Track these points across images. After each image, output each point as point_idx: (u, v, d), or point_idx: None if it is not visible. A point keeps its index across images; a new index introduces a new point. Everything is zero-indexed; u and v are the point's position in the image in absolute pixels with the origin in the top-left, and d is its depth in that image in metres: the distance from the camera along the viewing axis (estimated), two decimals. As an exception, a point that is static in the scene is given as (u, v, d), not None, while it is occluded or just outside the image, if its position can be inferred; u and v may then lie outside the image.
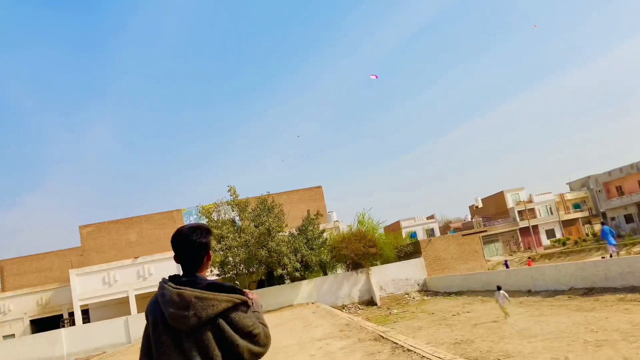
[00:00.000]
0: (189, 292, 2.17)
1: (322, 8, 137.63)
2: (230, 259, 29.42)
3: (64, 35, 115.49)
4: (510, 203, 70.59)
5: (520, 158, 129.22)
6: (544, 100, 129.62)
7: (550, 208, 68.66)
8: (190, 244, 2.35)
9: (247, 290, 2.48)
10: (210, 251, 2.45)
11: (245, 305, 2.24)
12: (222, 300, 2.16)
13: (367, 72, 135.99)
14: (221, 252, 28.92)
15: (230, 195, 31.29)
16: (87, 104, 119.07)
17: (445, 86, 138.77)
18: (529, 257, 48.15)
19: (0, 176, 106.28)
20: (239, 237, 29.52)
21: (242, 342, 2.16)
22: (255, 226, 30.05)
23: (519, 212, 67.75)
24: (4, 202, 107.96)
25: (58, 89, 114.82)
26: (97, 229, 42.57)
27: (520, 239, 66.72)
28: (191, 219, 42.09)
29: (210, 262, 2.43)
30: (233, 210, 31.82)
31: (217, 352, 2.13)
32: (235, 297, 2.20)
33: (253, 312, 2.32)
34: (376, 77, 40.98)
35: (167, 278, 2.35)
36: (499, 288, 15.17)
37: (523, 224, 66.12)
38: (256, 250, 29.15)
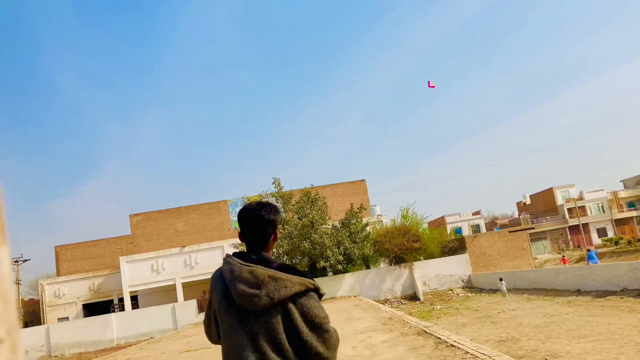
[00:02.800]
0: (262, 270, 2.08)
1: None
2: (274, 250, 29.76)
3: (117, 31, 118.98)
4: (559, 200, 68.57)
5: (571, 153, 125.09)
6: (599, 92, 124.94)
7: (603, 206, 66.31)
8: (258, 220, 2.26)
9: None
10: (277, 231, 2.36)
11: (317, 292, 2.13)
12: (295, 282, 2.05)
13: (414, 62, 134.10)
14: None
15: (275, 187, 31.63)
16: (139, 97, 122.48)
17: (495, 77, 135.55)
18: (563, 255, 46.88)
19: (57, 167, 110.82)
20: (282, 228, 29.82)
21: (309, 335, 2.03)
22: (299, 218, 30.31)
23: (569, 209, 65.76)
24: (60, 191, 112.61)
25: (113, 83, 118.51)
26: (146, 218, 43.79)
27: (569, 237, 64.76)
28: (236, 210, 42.67)
29: (276, 243, 2.40)
30: (277, 202, 32.15)
31: (284, 337, 2.02)
32: (309, 282, 2.10)
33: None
34: (434, 86, 40.14)
35: (231, 254, 2.27)
36: (501, 279, 19.72)
37: (573, 221, 64.15)
38: (299, 242, 29.39)
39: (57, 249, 48.19)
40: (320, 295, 2.15)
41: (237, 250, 2.33)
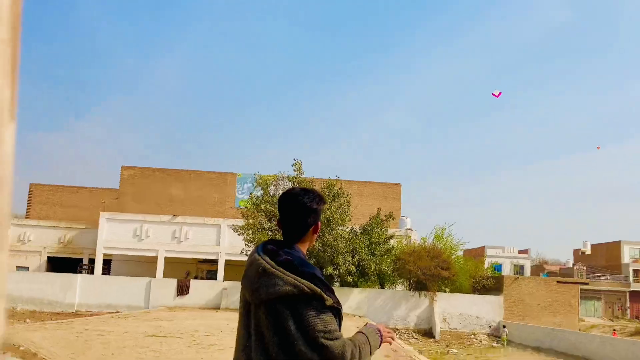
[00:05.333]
0: (262, 261, 2.17)
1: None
2: (278, 242, 29.83)
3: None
4: (626, 258, 67.32)
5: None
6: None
7: (677, 276, 64.97)
8: (299, 207, 2.34)
9: (382, 326, 2.49)
10: (320, 223, 2.42)
11: (319, 300, 2.10)
12: (288, 282, 2.08)
13: (484, 64, 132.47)
14: (269, 232, 29.38)
15: (294, 171, 31.60)
16: (161, 34, 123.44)
17: (580, 99, 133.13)
18: (614, 329, 46.15)
19: (52, 94, 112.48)
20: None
21: (303, 346, 2.02)
22: (314, 212, 30.31)
23: (635, 271, 64.51)
24: (48, 122, 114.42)
25: (134, 14, 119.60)
26: (139, 174, 44.32)
27: (628, 304, 63.62)
28: (245, 187, 42.96)
29: (316, 236, 2.39)
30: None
31: (272, 340, 2.08)
32: (305, 285, 2.08)
33: (359, 331, 2.30)
34: (499, 94, 39.68)
35: (267, 241, 2.37)
36: (504, 326, 24.78)
37: (636, 286, 62.96)
38: (309, 240, 29.41)
39: (32, 187, 49.12)
40: (322, 304, 2.11)
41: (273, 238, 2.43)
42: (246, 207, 32.40)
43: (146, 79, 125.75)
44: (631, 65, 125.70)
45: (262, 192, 31.47)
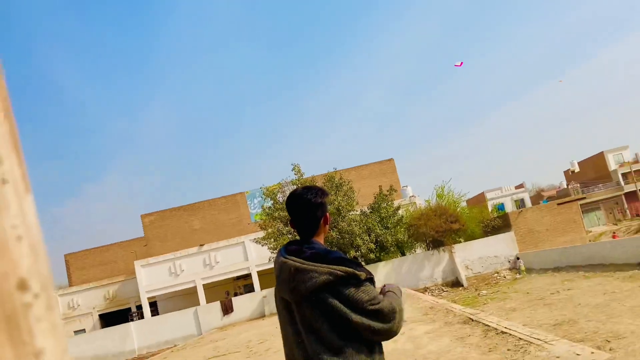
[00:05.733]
0: (291, 262, 2.23)
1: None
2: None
3: (118, 20, 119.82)
4: (612, 165, 67.34)
5: (621, 112, 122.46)
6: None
7: (662, 168, 64.95)
8: (305, 205, 2.39)
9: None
10: (328, 214, 2.45)
11: (355, 278, 2.17)
12: (322, 272, 2.14)
13: (438, 26, 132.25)
14: (289, 236, 29.42)
15: (295, 174, 31.59)
16: (144, 90, 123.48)
17: (533, 34, 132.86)
18: (614, 232, 46.38)
19: (62, 170, 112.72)
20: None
21: (356, 317, 2.12)
22: (323, 206, 30.31)
23: (624, 174, 64.50)
24: (66, 196, 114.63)
25: (115, 78, 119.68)
26: (159, 217, 44.37)
27: (626, 206, 63.64)
28: (255, 202, 43.04)
29: (328, 226, 2.42)
30: (299, 190, 32.15)
31: (323, 327, 2.13)
32: (339, 269, 2.15)
33: (386, 292, 2.36)
34: (461, 64, 39.66)
35: (286, 243, 2.45)
36: (518, 257, 24.70)
37: (629, 187, 62.94)
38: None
39: (67, 257, 49.21)
40: (358, 280, 2.17)
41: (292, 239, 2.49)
42: (262, 219, 32.46)
43: (139, 133, 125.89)
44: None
45: (271, 202, 31.50)
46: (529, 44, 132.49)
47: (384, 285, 2.52)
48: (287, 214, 25.50)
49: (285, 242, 22.83)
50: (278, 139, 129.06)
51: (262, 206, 33.16)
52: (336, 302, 2.12)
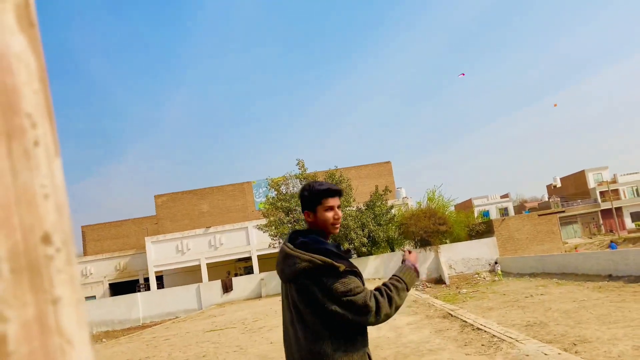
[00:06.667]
0: (285, 248, 2.29)
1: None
2: (298, 231, 29.89)
3: (144, 10, 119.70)
4: (591, 183, 67.23)
5: (603, 135, 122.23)
6: (632, 73, 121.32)
7: (637, 189, 64.81)
8: (300, 200, 2.45)
9: (411, 250, 2.59)
10: (308, 210, 2.41)
11: (333, 269, 2.16)
12: (304, 259, 2.17)
13: (444, 40, 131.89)
14: (289, 225, 29.45)
15: (299, 169, 31.62)
16: (164, 79, 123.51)
17: (530, 54, 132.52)
18: (576, 247, 46.29)
19: (84, 148, 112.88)
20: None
21: (332, 306, 2.13)
22: (323, 200, 30.29)
23: (601, 192, 64.41)
24: (87, 171, 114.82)
25: (138, 65, 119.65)
26: (171, 199, 44.39)
27: (601, 221, 63.58)
28: (260, 191, 43.02)
29: (311, 221, 2.39)
30: (301, 184, 32.18)
31: (306, 310, 2.17)
32: (318, 259, 2.16)
33: (390, 284, 2.35)
34: (463, 74, 39.53)
35: (291, 232, 2.48)
36: (496, 262, 24.62)
37: (605, 205, 62.87)
38: (323, 224, 29.44)
39: (84, 229, 49.27)
40: (337, 271, 2.16)
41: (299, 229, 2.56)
42: (265, 207, 32.49)
43: (158, 119, 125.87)
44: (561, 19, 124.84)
45: (275, 192, 31.51)
46: (523, 66, 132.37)
47: (404, 261, 2.54)
48: (288, 204, 25.37)
49: (285, 231, 22.78)
50: (286, 134, 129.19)
51: (267, 196, 33.20)
52: (315, 290, 2.14)
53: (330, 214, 2.37)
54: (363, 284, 2.26)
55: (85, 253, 47.68)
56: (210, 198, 44.40)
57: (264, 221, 31.77)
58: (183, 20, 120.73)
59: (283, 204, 29.93)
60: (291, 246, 2.27)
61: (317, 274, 2.16)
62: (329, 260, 2.17)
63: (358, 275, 2.26)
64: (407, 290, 2.37)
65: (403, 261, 2.55)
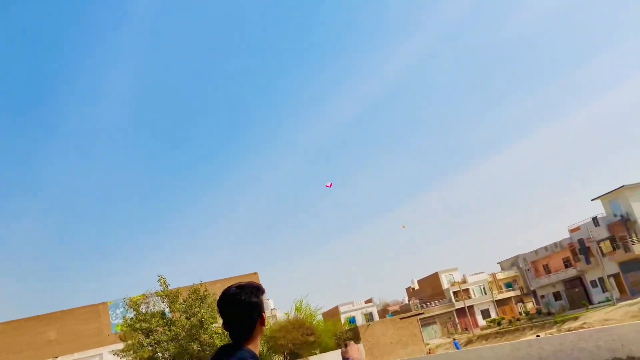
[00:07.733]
0: None
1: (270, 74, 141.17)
2: (160, 354, 27.72)
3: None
4: (445, 284, 71.70)
5: (453, 238, 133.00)
6: (471, 180, 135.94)
7: (484, 288, 70.21)
8: (240, 306, 2.02)
9: (350, 343, 2.33)
10: (264, 314, 2.10)
11: None
12: None
13: (310, 154, 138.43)
14: (149, 348, 27.29)
15: (160, 286, 29.98)
16: (13, 194, 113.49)
17: (379, 170, 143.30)
18: (429, 349, 48.85)
19: None
20: (169, 330, 28.03)
21: None
22: (186, 318, 28.71)
23: (454, 292, 68.77)
24: None
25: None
26: (9, 328, 39.38)
27: (457, 320, 67.28)
28: (117, 312, 39.82)
29: (265, 327, 2.08)
30: (163, 302, 30.37)
31: None
32: None
33: None
34: (331, 185, 41.42)
35: (219, 348, 2.05)
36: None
37: (459, 304, 66.99)
38: (187, 344, 27.67)
39: None
40: None
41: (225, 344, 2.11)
42: (122, 330, 29.94)
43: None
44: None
45: (134, 313, 29.33)
46: (368, 187, 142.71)
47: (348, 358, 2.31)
48: (148, 325, 23.58)
49: (145, 355, 20.79)
50: (146, 250, 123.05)
51: (124, 317, 30.75)
52: None
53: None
54: None
55: None
56: (60, 323, 40.08)
57: (121, 345, 29.09)
58: (37, 139, 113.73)
59: (143, 324, 27.81)
60: None
61: None
62: None
63: None
64: None
65: None
